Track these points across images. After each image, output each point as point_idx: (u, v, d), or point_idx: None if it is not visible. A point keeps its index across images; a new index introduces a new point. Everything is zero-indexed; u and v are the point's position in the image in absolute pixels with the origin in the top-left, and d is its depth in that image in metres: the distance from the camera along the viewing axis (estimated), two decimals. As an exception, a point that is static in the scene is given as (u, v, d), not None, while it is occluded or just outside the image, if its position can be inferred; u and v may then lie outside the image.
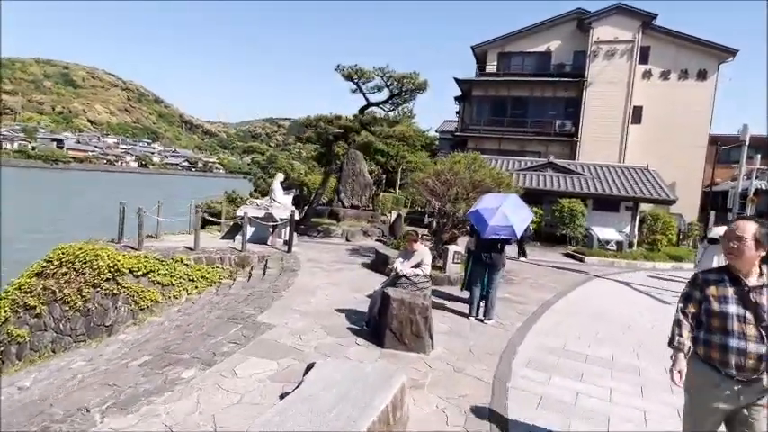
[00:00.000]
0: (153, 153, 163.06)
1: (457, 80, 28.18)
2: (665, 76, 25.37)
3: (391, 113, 12.96)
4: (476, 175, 9.96)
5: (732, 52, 24.34)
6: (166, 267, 9.54)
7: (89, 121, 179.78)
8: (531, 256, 15.14)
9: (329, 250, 12.21)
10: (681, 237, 23.60)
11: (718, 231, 13.05)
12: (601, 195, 18.67)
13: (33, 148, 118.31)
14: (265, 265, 9.75)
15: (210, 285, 9.68)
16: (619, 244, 16.83)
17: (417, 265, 5.48)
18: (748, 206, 23.48)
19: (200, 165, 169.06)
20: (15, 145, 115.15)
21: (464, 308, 6.94)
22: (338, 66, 11.83)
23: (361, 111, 12.66)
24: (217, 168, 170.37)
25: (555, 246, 18.16)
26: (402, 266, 5.46)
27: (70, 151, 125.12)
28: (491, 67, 28.60)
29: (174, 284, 9.45)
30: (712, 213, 25.80)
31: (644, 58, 25.31)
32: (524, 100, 27.54)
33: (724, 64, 24.80)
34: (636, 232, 19.19)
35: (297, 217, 12.46)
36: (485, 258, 6.40)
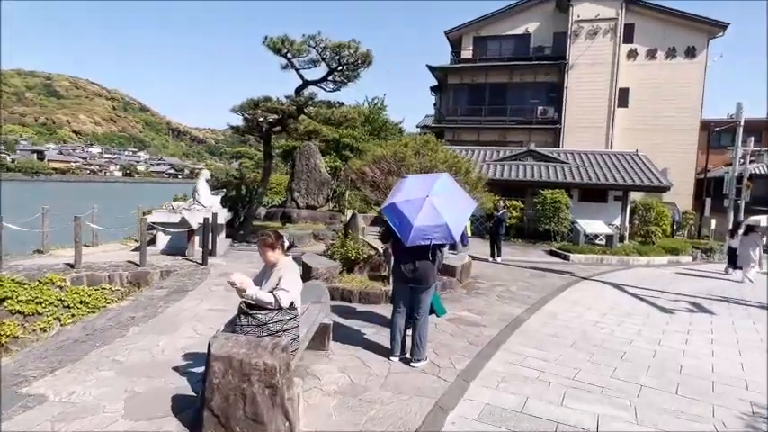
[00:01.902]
0: (138, 162, 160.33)
1: (430, 67, 26.22)
2: (651, 54, 23.57)
3: (333, 94, 10.97)
4: (426, 161, 7.96)
5: (722, 26, 22.58)
6: (30, 292, 7.43)
7: (74, 131, 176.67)
8: (510, 256, 13.20)
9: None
10: (675, 227, 21.83)
11: (755, 219, 11.90)
12: (587, 185, 16.77)
13: (13, 161, 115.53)
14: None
15: (93, 311, 7.59)
16: (608, 238, 14.92)
17: (275, 290, 3.38)
18: (743, 192, 21.77)
19: (186, 172, 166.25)
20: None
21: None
22: (266, 37, 9.80)
23: (298, 92, 10.62)
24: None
25: (538, 242, 16.23)
26: (249, 291, 3.24)
27: (51, 162, 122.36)
28: (467, 52, 26.69)
29: (40, 313, 7.36)
30: (708, 200, 24.09)
31: (628, 37, 23.51)
32: (503, 87, 25.63)
33: (714, 39, 23.04)
34: (627, 224, 17.31)
35: (221, 221, 10.40)
36: (406, 272, 4.39)
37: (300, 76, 10.30)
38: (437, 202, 4.25)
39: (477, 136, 25.42)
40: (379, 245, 10.04)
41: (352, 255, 7.93)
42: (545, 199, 15.96)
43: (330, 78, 10.32)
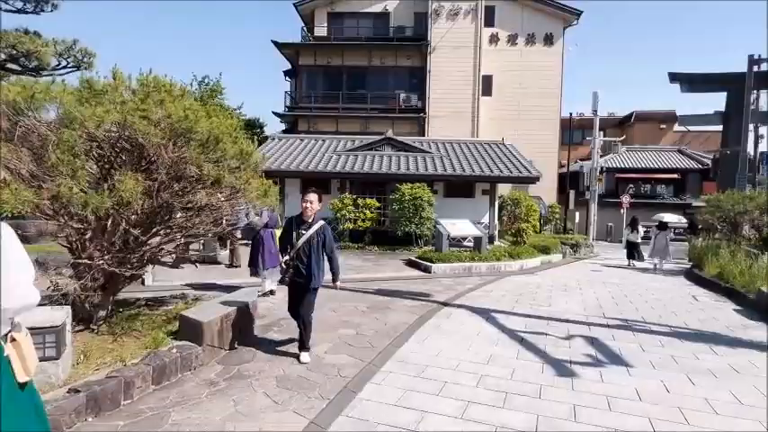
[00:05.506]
0: None
1: (276, 44, 21.93)
2: (512, 40, 22.36)
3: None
4: (108, 117, 3.85)
5: (576, 14, 22.13)
6: None
7: None
8: (355, 273, 9.67)
9: None
10: (542, 222, 20.73)
11: (662, 216, 14.33)
12: (451, 176, 14.11)
13: None
14: None
15: None
16: (476, 240, 12.30)
17: None
18: (595, 185, 21.60)
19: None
20: None
21: None
22: None
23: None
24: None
25: (398, 249, 13.12)
26: None
27: None
28: (321, 29, 23.05)
29: None
30: (572, 193, 23.76)
31: (489, 20, 21.98)
32: (363, 70, 22.50)
33: (570, 27, 22.60)
34: (496, 222, 15.13)
35: None
36: None
37: None
38: None
39: (335, 126, 21.92)
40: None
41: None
42: (403, 195, 12.90)
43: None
